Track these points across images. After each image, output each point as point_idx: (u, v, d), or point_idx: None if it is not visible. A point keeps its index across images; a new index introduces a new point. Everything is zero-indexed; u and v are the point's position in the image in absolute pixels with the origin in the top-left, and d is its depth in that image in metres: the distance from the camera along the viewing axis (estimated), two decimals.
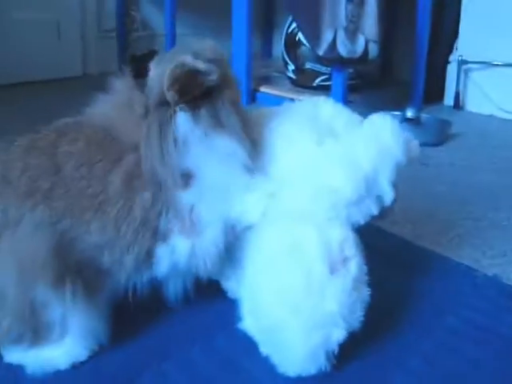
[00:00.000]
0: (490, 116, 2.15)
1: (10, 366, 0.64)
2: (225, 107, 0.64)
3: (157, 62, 0.67)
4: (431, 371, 0.68)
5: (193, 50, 0.62)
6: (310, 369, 0.63)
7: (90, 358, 0.66)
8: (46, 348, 0.63)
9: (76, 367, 0.65)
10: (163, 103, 0.62)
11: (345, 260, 0.63)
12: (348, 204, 0.67)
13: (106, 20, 2.51)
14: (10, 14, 2.14)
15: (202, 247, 0.65)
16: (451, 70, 2.25)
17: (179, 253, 0.64)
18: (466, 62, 2.18)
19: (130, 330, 0.71)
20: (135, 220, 0.62)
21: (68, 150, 0.62)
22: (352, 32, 1.95)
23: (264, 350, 0.67)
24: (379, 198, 0.70)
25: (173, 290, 0.70)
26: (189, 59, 0.60)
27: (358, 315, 0.63)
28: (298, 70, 2.21)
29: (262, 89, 2.15)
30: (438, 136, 1.71)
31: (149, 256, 0.64)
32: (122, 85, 0.68)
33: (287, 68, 2.25)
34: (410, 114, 1.71)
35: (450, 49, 2.27)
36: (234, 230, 0.67)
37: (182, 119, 0.63)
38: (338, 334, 0.62)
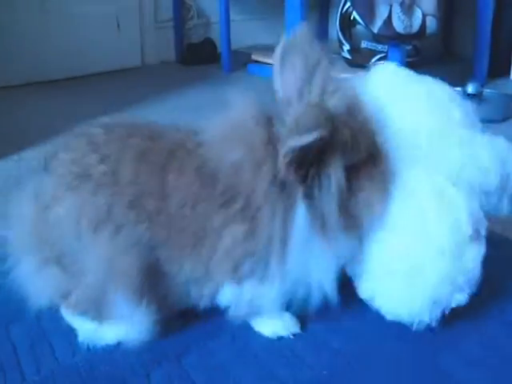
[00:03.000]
0: None
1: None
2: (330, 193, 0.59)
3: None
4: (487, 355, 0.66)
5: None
6: (425, 317, 0.65)
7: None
8: (105, 324, 0.67)
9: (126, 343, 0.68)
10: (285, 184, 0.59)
11: (479, 234, 0.65)
12: (488, 187, 0.69)
13: (162, 10, 2.56)
14: (70, 8, 2.23)
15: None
16: None
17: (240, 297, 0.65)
18: None
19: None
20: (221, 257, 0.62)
21: (176, 182, 0.62)
22: (408, 6, 1.88)
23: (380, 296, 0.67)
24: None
25: None
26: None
27: (474, 286, 0.66)
28: (354, 49, 2.16)
29: None
30: (503, 112, 1.63)
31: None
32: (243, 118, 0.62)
33: (342, 48, 2.21)
34: (470, 89, 1.64)
35: None
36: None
37: (301, 211, 0.59)
38: (462, 296, 0.65)
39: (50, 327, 0.70)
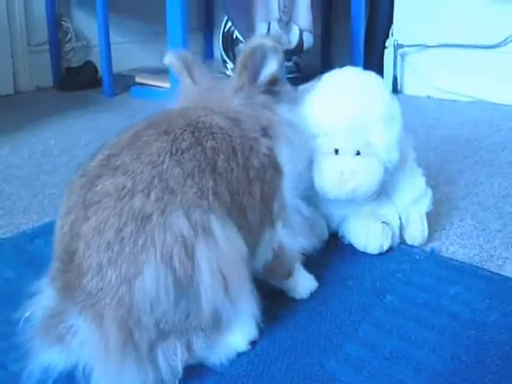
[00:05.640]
0: (428, 97, 2.18)
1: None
2: (284, 86, 0.78)
3: None
4: (370, 355, 0.65)
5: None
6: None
7: None
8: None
9: None
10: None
11: None
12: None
13: (35, 33, 2.41)
14: None
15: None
16: (388, 55, 2.26)
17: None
18: (401, 46, 2.19)
19: None
20: (267, 196, 0.68)
21: (213, 146, 0.64)
22: (285, 23, 1.93)
23: None
24: None
25: None
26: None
27: None
28: None
29: None
30: None
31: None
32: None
33: (226, 67, 2.22)
34: None
35: (386, 35, 2.29)
36: None
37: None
38: None
39: None
